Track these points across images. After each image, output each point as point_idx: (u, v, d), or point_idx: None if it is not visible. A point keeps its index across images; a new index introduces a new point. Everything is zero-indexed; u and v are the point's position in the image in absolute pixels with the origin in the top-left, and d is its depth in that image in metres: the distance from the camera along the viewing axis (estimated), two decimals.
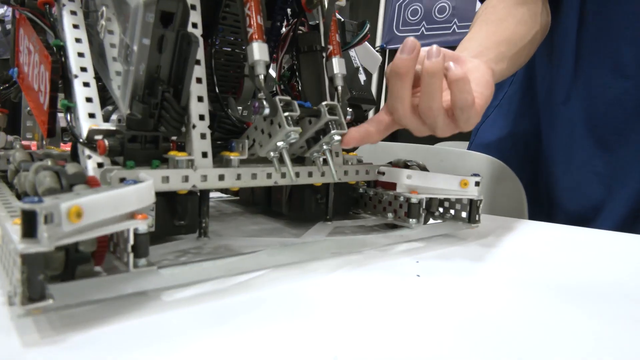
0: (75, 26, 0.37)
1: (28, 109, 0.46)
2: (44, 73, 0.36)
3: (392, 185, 0.46)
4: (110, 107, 0.42)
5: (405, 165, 0.47)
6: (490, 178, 0.72)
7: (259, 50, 0.33)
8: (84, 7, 0.38)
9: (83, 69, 0.36)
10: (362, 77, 0.50)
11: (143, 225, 0.26)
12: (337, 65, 0.38)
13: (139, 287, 0.25)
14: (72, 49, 0.36)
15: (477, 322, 0.26)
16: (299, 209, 0.46)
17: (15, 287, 0.21)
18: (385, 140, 0.44)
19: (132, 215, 0.26)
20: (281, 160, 0.36)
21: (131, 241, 0.26)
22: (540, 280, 0.34)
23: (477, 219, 0.46)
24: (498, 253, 0.41)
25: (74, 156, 0.37)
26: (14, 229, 0.23)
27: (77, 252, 0.25)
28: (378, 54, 0.55)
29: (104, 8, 0.36)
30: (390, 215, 0.45)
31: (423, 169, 0.47)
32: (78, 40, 0.37)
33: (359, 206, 0.49)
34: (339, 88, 0.38)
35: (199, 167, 0.33)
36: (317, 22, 0.41)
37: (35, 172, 0.27)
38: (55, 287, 0.23)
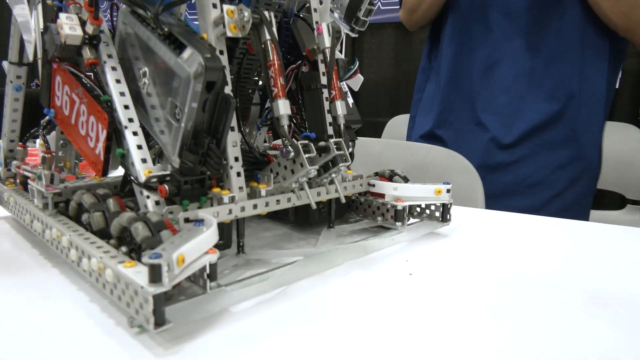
0: (118, 81, 0.43)
1: (61, 142, 0.52)
2: (96, 124, 0.43)
3: (381, 194, 0.56)
4: None
5: (391, 175, 0.57)
6: (447, 169, 0.83)
7: (283, 106, 0.41)
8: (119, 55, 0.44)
9: (130, 120, 0.42)
10: (350, 101, 0.58)
11: (214, 257, 0.34)
12: (340, 108, 0.47)
13: (220, 306, 0.34)
14: (118, 102, 0.42)
15: (463, 312, 0.37)
16: (305, 218, 0.55)
17: (147, 317, 0.29)
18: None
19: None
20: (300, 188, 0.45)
21: (207, 270, 0.34)
22: (502, 266, 0.45)
23: (448, 218, 0.57)
24: (469, 245, 0.52)
25: (124, 186, 0.44)
26: (131, 271, 0.31)
27: None
28: (360, 75, 0.64)
29: (145, 68, 0.42)
30: (379, 218, 0.56)
31: (404, 178, 0.57)
32: (122, 94, 0.43)
33: (351, 210, 0.59)
34: (342, 126, 0.47)
35: (237, 200, 0.42)
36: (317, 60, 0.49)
37: (129, 223, 0.34)
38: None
